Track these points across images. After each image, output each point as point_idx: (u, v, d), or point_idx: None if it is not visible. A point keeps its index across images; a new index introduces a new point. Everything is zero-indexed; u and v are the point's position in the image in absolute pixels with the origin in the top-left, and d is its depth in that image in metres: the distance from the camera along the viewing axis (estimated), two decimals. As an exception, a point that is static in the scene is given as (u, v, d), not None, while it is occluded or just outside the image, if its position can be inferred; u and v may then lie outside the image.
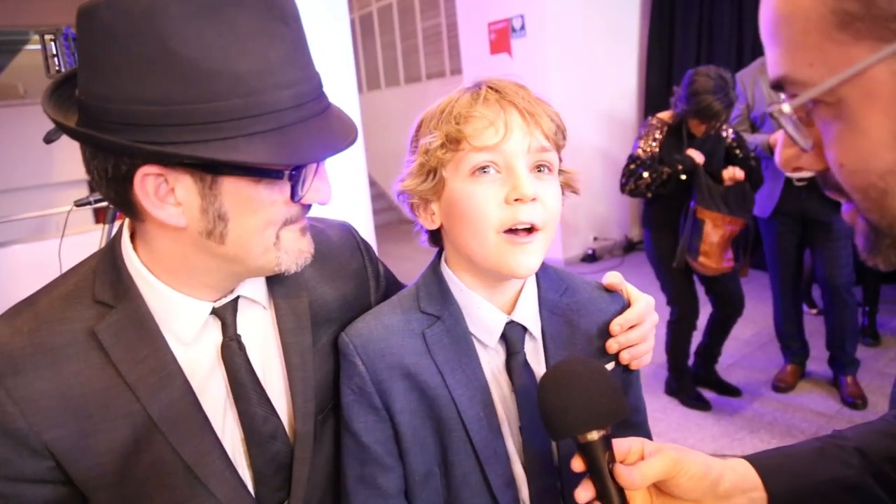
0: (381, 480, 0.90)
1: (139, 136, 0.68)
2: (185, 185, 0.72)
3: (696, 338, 3.44)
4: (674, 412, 3.36)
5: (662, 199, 3.12)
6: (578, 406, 0.74)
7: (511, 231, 0.83)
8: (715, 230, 3.01)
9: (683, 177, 2.98)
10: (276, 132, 0.70)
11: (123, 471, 0.79)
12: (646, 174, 3.00)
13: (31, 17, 7.43)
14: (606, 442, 0.75)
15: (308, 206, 0.83)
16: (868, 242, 0.54)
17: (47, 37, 1.69)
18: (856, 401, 3.22)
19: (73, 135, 0.73)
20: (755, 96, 3.23)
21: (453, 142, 0.83)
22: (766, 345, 3.67)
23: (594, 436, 0.74)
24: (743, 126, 3.26)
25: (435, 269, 0.95)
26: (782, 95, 0.53)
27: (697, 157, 2.98)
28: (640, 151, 3.06)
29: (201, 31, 0.66)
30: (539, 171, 0.85)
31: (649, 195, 3.05)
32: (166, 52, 0.65)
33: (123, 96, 0.68)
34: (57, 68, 1.72)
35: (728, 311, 3.31)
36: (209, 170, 0.71)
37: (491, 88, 0.85)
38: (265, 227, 0.77)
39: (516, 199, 0.81)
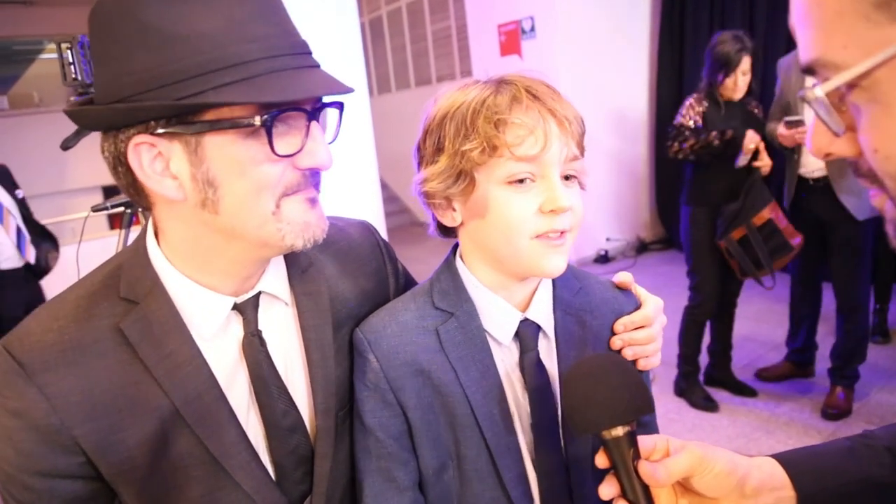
0: (397, 473, 0.91)
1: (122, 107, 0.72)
2: (176, 155, 0.74)
3: (707, 339, 3.43)
4: (688, 413, 3.34)
5: (705, 176, 3.18)
6: (604, 401, 0.74)
7: (544, 235, 0.84)
8: (779, 216, 3.09)
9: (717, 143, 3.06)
10: (246, 81, 0.70)
11: (152, 465, 0.80)
12: (691, 139, 3.09)
13: (46, 27, 7.52)
14: (632, 438, 0.74)
15: (312, 175, 0.80)
16: None
17: (63, 45, 1.71)
18: (829, 411, 3.14)
19: (69, 114, 0.77)
20: (784, 84, 3.20)
21: (492, 148, 0.82)
22: (781, 345, 3.65)
23: (619, 432, 0.73)
24: (776, 114, 3.23)
25: (450, 265, 0.95)
26: (811, 81, 0.51)
27: (749, 139, 3.04)
28: (683, 120, 3.14)
29: (168, 1, 0.70)
30: (567, 179, 0.86)
31: (691, 158, 3.15)
32: (138, 25, 0.70)
33: (111, 76, 0.73)
34: (74, 76, 1.74)
35: (729, 291, 3.35)
36: (191, 130, 0.72)
37: (529, 93, 0.83)
38: (257, 191, 0.75)
39: (551, 211, 0.82)
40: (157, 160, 0.75)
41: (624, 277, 1.00)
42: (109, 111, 0.73)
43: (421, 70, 8.69)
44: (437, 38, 8.28)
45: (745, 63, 3.03)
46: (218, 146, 0.73)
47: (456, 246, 0.97)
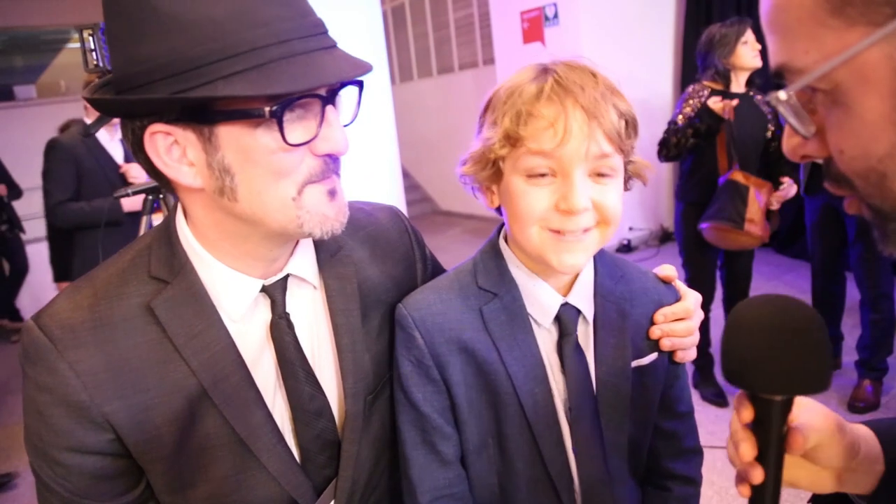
0: (441, 447, 0.93)
1: (137, 94, 0.71)
2: (191, 143, 0.74)
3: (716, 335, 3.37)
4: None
5: (701, 173, 3.11)
6: (788, 366, 0.61)
7: (554, 231, 0.84)
8: (760, 196, 2.98)
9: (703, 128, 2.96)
10: (257, 69, 0.69)
11: (179, 443, 0.81)
12: (673, 139, 3.02)
13: (73, 16, 7.61)
14: (788, 403, 0.64)
15: (332, 162, 0.79)
16: (879, 232, 0.54)
17: (85, 32, 1.73)
18: (857, 404, 3.08)
19: (89, 101, 0.77)
20: None
21: (512, 139, 0.83)
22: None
23: (780, 396, 0.63)
24: None
25: (494, 246, 0.97)
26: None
27: (716, 104, 2.91)
28: (679, 118, 3.06)
29: None
30: (599, 175, 0.84)
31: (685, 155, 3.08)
32: (149, 11, 0.69)
33: (124, 60, 0.72)
34: (95, 62, 1.76)
35: (737, 286, 3.31)
36: (203, 120, 0.72)
37: (557, 83, 0.82)
38: (275, 178, 0.75)
39: (565, 211, 0.81)
40: (174, 147, 0.75)
41: (668, 271, 1.01)
42: (123, 102, 0.73)
43: (443, 58, 8.66)
44: (459, 26, 8.23)
45: (747, 34, 2.92)
46: (232, 136, 0.73)
47: (501, 226, 0.97)
